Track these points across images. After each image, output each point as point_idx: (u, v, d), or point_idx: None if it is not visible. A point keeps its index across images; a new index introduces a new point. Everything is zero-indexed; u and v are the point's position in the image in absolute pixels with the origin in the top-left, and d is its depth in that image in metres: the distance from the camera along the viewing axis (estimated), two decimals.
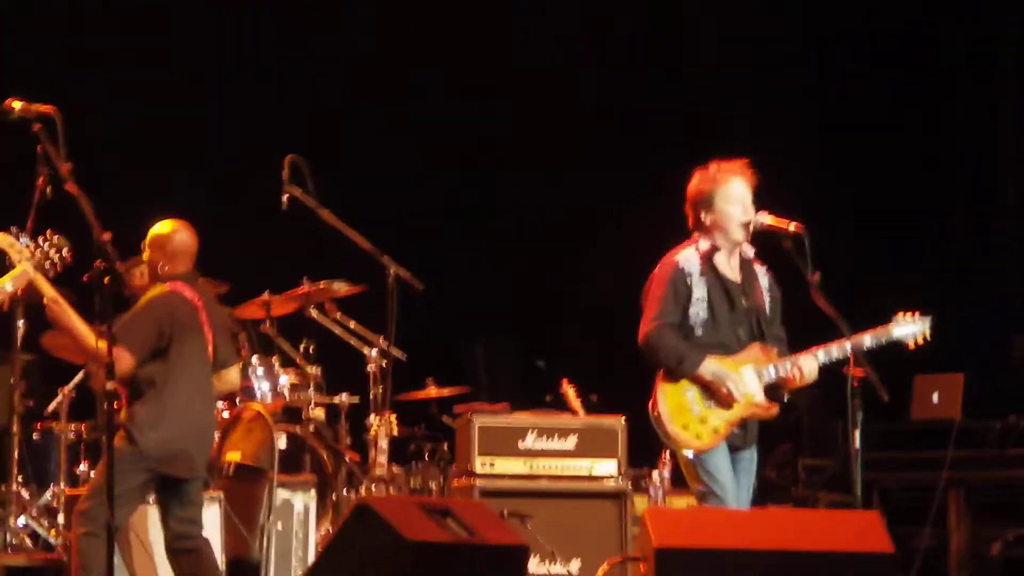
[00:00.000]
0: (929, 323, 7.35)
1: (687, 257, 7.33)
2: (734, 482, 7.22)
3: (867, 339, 7.23)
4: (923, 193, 12.26)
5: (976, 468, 10.32)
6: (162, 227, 7.71)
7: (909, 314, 7.34)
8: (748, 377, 7.21)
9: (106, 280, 6.50)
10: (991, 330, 11.67)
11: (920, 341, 7.34)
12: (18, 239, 6.92)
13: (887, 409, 7.62)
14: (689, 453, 7.20)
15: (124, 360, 7.32)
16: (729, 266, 7.37)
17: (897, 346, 7.32)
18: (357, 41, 12.39)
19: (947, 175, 12.41)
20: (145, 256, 7.74)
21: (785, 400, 7.26)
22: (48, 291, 7.13)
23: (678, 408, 7.21)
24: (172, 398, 7.48)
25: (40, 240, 6.94)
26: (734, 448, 7.26)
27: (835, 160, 12.22)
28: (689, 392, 7.21)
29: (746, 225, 7.28)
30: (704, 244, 7.34)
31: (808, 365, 7.22)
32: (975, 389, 10.55)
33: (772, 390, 7.25)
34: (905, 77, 12.30)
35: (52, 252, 6.94)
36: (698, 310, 7.26)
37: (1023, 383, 11.11)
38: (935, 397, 10.57)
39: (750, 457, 7.34)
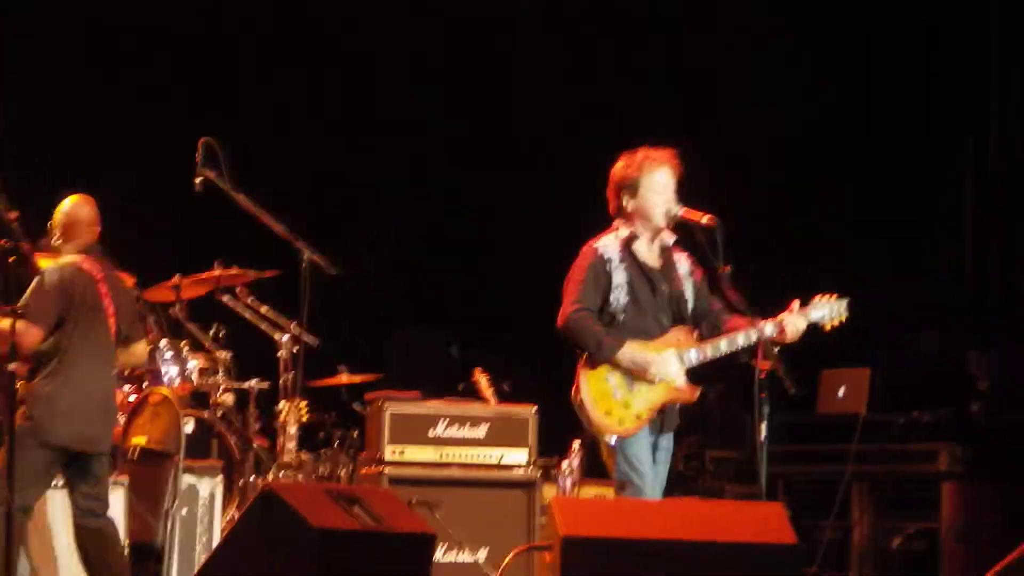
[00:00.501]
0: (846, 305, 7.41)
1: (606, 244, 7.36)
2: (653, 471, 7.25)
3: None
4: (834, 188, 12.34)
5: (879, 462, 10.42)
6: (64, 203, 7.69)
7: (826, 296, 7.41)
8: (670, 361, 7.24)
9: (11, 259, 6.45)
10: (898, 325, 11.78)
11: (836, 323, 7.41)
12: None
13: (794, 402, 7.68)
14: (612, 439, 7.21)
15: (32, 334, 7.32)
16: (649, 253, 7.40)
17: (815, 328, 7.38)
18: (268, 18, 12.30)
19: (857, 170, 12.49)
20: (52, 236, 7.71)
21: (777, 353, 7.23)
22: None
23: (601, 394, 7.23)
24: (71, 372, 7.45)
25: None
26: (653, 432, 7.28)
27: (748, 146, 12.27)
28: (611, 378, 7.23)
29: (667, 214, 7.31)
30: (624, 231, 7.37)
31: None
32: (881, 384, 10.65)
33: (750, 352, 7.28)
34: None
35: None
36: (619, 296, 7.29)
37: (928, 378, 11.23)
38: (841, 391, 10.66)
39: (667, 445, 7.37)
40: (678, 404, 7.34)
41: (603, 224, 7.49)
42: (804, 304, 7.40)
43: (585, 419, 7.27)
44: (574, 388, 7.28)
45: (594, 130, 11.71)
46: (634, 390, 7.23)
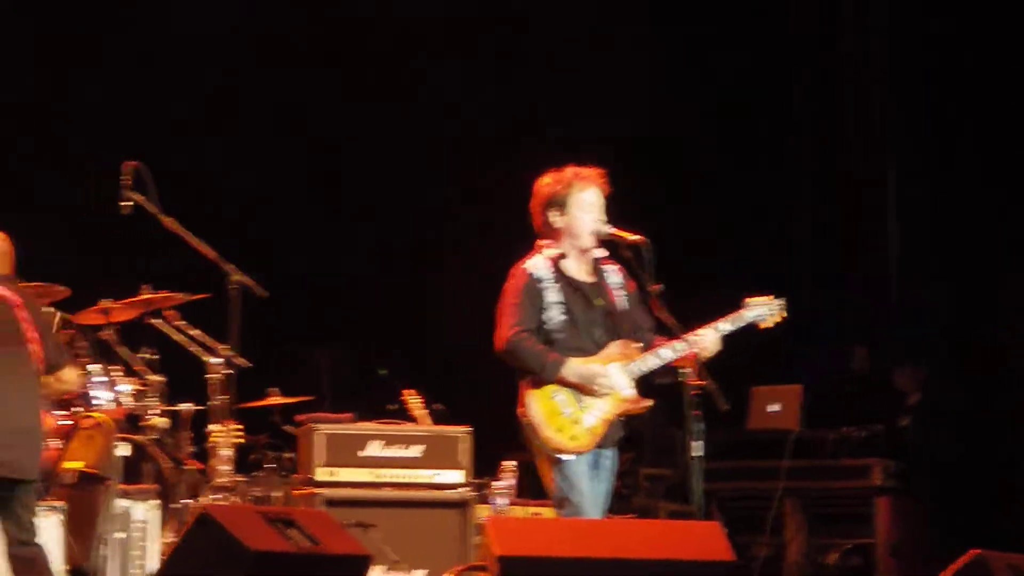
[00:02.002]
0: (783, 303, 7.43)
1: (536, 264, 7.36)
2: (592, 491, 7.23)
3: (725, 324, 7.33)
4: (764, 200, 12.43)
5: (812, 478, 10.49)
6: None
7: (761, 297, 7.44)
8: (616, 373, 7.25)
9: None
10: (829, 341, 11.88)
11: (778, 319, 7.42)
12: None
13: (725, 419, 7.71)
14: (566, 457, 7.18)
15: None
16: (579, 269, 7.41)
17: (752, 329, 7.40)
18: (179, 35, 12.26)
19: (789, 181, 12.59)
20: None
21: (679, 379, 7.25)
22: None
23: (550, 412, 7.20)
24: None
25: None
26: (598, 446, 7.26)
27: (669, 160, 12.34)
28: (558, 395, 7.21)
29: (595, 233, 7.34)
30: (551, 251, 7.38)
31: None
32: (812, 400, 10.73)
33: (666, 373, 7.29)
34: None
35: None
36: (553, 314, 7.28)
37: (859, 394, 11.33)
38: (774, 408, 10.73)
39: (608, 463, 7.34)
40: (627, 416, 7.33)
41: (526, 235, 7.50)
42: (737, 307, 7.42)
43: (537, 438, 7.20)
44: (520, 408, 7.25)
45: (513, 148, 11.80)
46: (583, 404, 7.22)
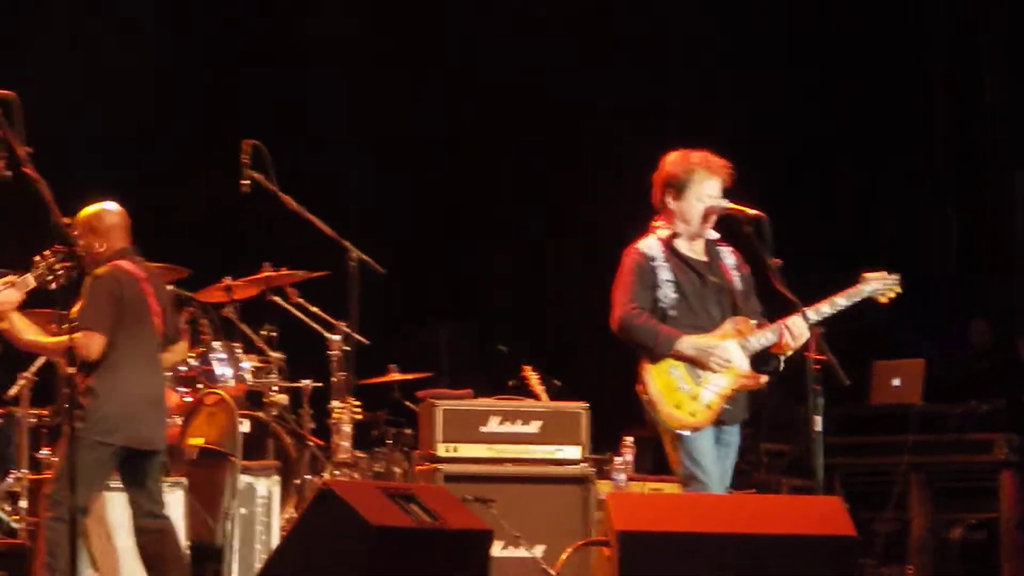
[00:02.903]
0: (899, 279, 7.36)
1: (649, 244, 7.32)
2: (717, 467, 7.20)
3: (841, 299, 7.27)
4: (886, 180, 12.30)
5: (937, 453, 10.38)
6: (89, 210, 7.72)
7: (877, 272, 7.37)
8: (732, 349, 7.22)
9: (66, 265, 6.50)
10: (951, 316, 11.75)
11: (892, 295, 7.35)
12: None
13: (847, 394, 7.64)
14: (685, 432, 7.17)
15: (97, 342, 7.41)
16: (692, 249, 7.37)
17: (870, 303, 7.34)
18: (313, 22, 12.34)
19: (910, 162, 12.46)
20: (80, 243, 7.70)
21: (780, 368, 7.22)
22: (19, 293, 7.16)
23: (667, 388, 7.18)
24: (123, 371, 7.51)
25: (39, 258, 6.94)
26: (719, 423, 7.24)
27: (800, 142, 12.25)
28: (675, 371, 7.19)
29: (707, 218, 7.28)
30: (664, 232, 7.34)
31: (798, 326, 7.20)
32: (936, 374, 10.61)
33: (764, 360, 7.25)
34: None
35: (56, 265, 6.91)
36: (667, 292, 7.25)
37: (983, 368, 11.19)
38: (896, 382, 10.62)
39: (731, 439, 7.31)
40: (746, 393, 7.29)
41: (643, 213, 7.48)
42: (854, 282, 7.35)
43: (654, 414, 7.19)
44: (639, 384, 7.24)
45: (628, 123, 11.75)
46: (700, 381, 7.19)
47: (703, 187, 7.27)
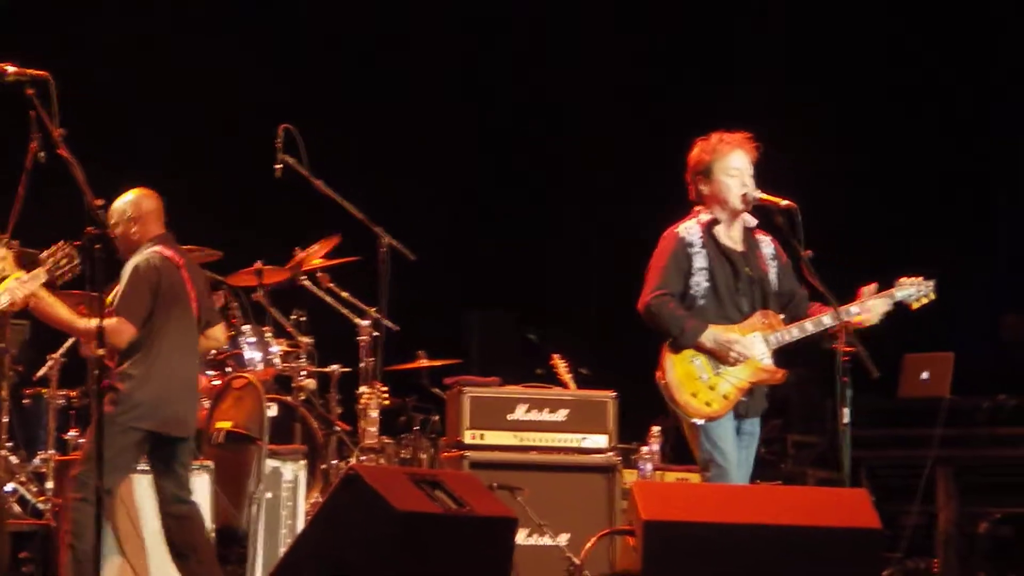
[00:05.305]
0: (933, 285, 7.39)
1: (688, 228, 7.36)
2: (738, 452, 7.24)
3: (876, 302, 7.32)
4: (920, 173, 12.24)
5: (965, 446, 10.34)
6: (123, 197, 7.75)
7: (912, 278, 7.39)
8: (755, 343, 7.24)
9: (98, 246, 6.52)
10: (981, 309, 11.69)
11: (924, 301, 7.40)
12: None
13: (876, 387, 7.63)
14: (699, 421, 7.19)
15: (126, 331, 7.43)
16: (730, 237, 7.40)
17: (901, 308, 7.36)
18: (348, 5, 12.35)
19: (945, 157, 12.38)
20: (117, 231, 7.73)
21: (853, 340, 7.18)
22: (30, 288, 7.18)
23: (687, 376, 7.23)
24: (158, 356, 7.53)
25: (53, 249, 6.97)
26: (738, 416, 7.27)
27: (834, 130, 12.19)
28: (696, 360, 7.23)
29: (744, 197, 7.30)
30: (705, 216, 7.37)
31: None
32: (965, 368, 10.56)
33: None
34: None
35: (64, 262, 6.95)
36: (700, 280, 7.29)
37: (1012, 362, 11.13)
38: (925, 375, 10.58)
39: (752, 430, 7.35)
40: (764, 387, 7.31)
41: (682, 202, 7.48)
42: (888, 286, 7.38)
43: (671, 401, 7.26)
44: (659, 370, 7.28)
45: (664, 114, 11.71)
46: (720, 372, 7.22)
47: (728, 161, 7.32)
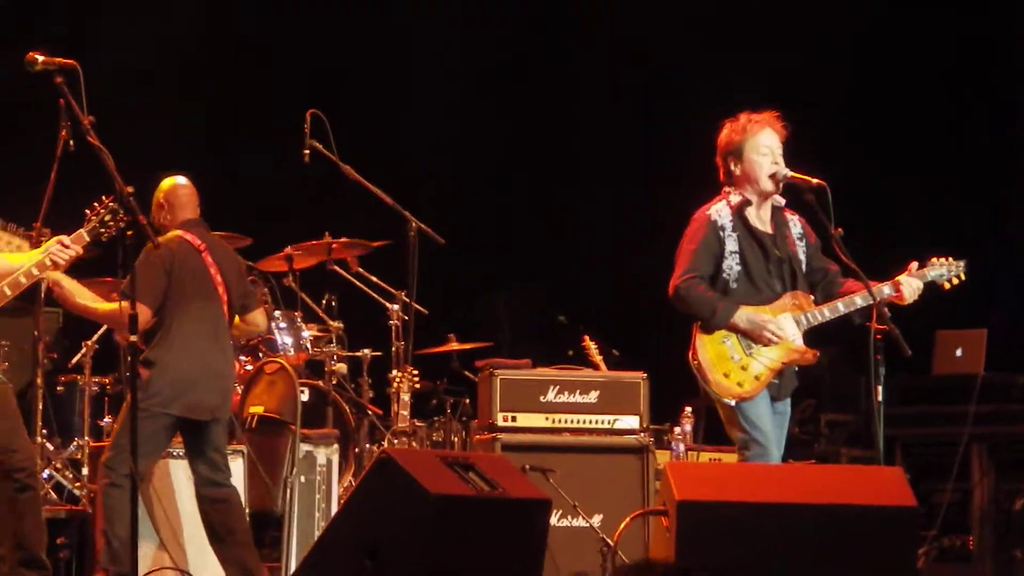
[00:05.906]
0: (964, 266, 7.41)
1: (719, 210, 7.35)
2: (775, 430, 7.23)
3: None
4: (952, 149, 12.18)
5: (999, 423, 10.30)
6: (160, 186, 7.82)
7: (943, 258, 7.39)
8: (786, 323, 7.23)
9: (129, 233, 6.53)
10: (1015, 285, 11.64)
11: (955, 282, 7.43)
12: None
13: (909, 364, 7.61)
14: (731, 401, 7.19)
15: (140, 313, 7.40)
16: (760, 218, 7.39)
17: (933, 287, 7.37)
18: None
19: (978, 127, 12.31)
20: (151, 216, 7.78)
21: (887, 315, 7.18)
22: (51, 274, 7.20)
23: (718, 357, 7.22)
24: (180, 341, 7.57)
25: (96, 207, 6.97)
26: (770, 398, 7.26)
27: (866, 105, 12.13)
28: (727, 340, 7.23)
29: (774, 176, 7.29)
30: (735, 198, 7.36)
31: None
32: (998, 344, 10.52)
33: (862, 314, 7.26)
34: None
35: (107, 218, 6.94)
36: (731, 263, 7.28)
37: None
38: (958, 352, 10.54)
39: (783, 410, 7.34)
40: (796, 367, 7.30)
41: (711, 192, 7.47)
42: (920, 266, 7.37)
43: (703, 382, 7.25)
44: (691, 351, 7.27)
45: (692, 96, 11.67)
46: (752, 352, 7.21)
47: (758, 139, 7.31)
